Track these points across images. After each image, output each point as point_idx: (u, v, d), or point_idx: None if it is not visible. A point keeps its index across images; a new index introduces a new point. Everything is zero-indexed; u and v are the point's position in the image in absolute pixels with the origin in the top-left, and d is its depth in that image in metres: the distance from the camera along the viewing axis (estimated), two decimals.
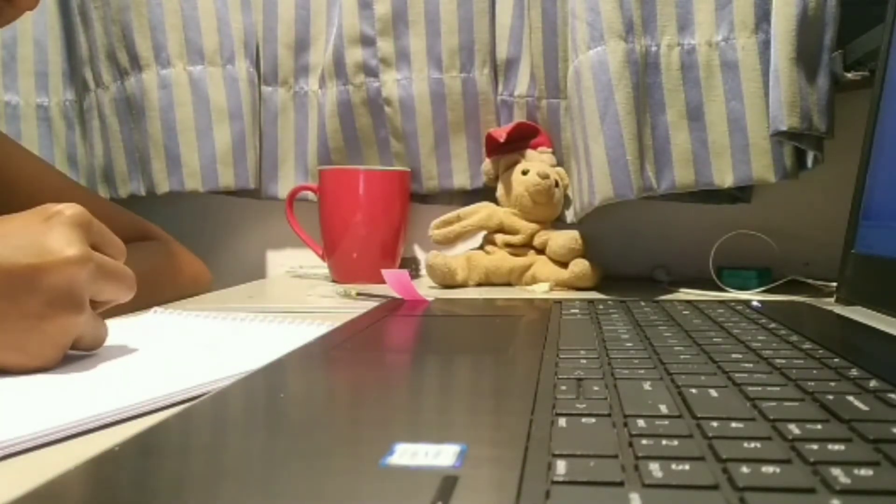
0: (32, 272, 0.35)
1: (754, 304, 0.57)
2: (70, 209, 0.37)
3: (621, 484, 0.20)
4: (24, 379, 0.36)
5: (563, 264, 0.76)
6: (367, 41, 0.86)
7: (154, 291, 0.60)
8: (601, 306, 0.55)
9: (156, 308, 0.58)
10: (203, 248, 0.84)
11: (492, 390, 0.32)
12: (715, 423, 0.24)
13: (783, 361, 0.34)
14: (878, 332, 0.45)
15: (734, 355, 0.36)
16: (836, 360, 0.34)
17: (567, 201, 0.83)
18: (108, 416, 0.30)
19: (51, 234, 0.36)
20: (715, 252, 0.75)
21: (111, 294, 0.40)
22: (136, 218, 0.75)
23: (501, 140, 0.78)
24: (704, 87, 0.69)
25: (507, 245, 0.80)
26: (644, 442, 0.23)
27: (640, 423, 0.25)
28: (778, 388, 0.29)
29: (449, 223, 0.81)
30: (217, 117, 0.87)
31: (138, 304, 0.51)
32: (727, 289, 0.73)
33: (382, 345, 0.44)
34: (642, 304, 0.57)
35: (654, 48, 0.69)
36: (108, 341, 0.42)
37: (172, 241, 0.76)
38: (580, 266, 0.74)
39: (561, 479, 0.20)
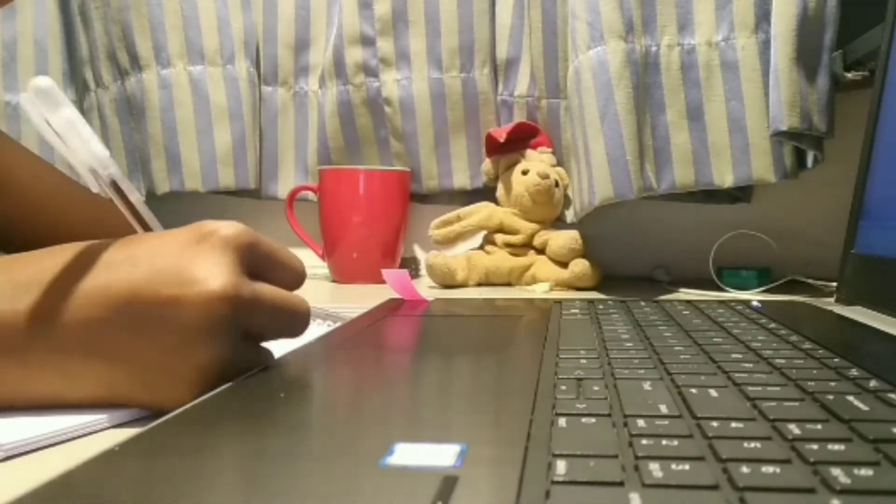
0: (170, 304, 0.30)
1: (754, 304, 0.57)
2: (227, 229, 0.32)
3: (621, 484, 0.20)
4: None
5: (563, 264, 0.76)
6: (367, 41, 0.86)
7: None
8: (601, 306, 0.55)
9: None
10: None
11: (492, 390, 0.32)
12: (715, 423, 0.24)
13: (783, 361, 0.34)
14: (878, 332, 0.45)
15: (734, 355, 0.36)
16: (836, 360, 0.34)
17: (567, 201, 0.83)
18: None
19: (199, 260, 0.31)
20: (715, 252, 0.75)
21: (274, 328, 0.34)
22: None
23: (501, 140, 0.78)
24: (704, 87, 0.69)
25: (507, 245, 0.80)
26: (644, 442, 0.23)
27: (640, 423, 0.25)
28: (778, 388, 0.29)
29: (449, 223, 0.81)
30: (217, 117, 0.87)
31: None
32: (727, 289, 0.73)
33: (382, 345, 0.44)
34: (642, 304, 0.57)
35: (654, 48, 0.69)
36: None
37: None
38: (580, 266, 0.74)
39: (561, 479, 0.20)
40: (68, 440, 0.29)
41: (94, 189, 0.32)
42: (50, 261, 0.31)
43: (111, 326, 0.30)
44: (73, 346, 0.30)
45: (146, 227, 0.34)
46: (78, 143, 0.31)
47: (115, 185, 0.33)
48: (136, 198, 0.34)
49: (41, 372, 0.30)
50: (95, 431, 0.30)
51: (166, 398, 0.31)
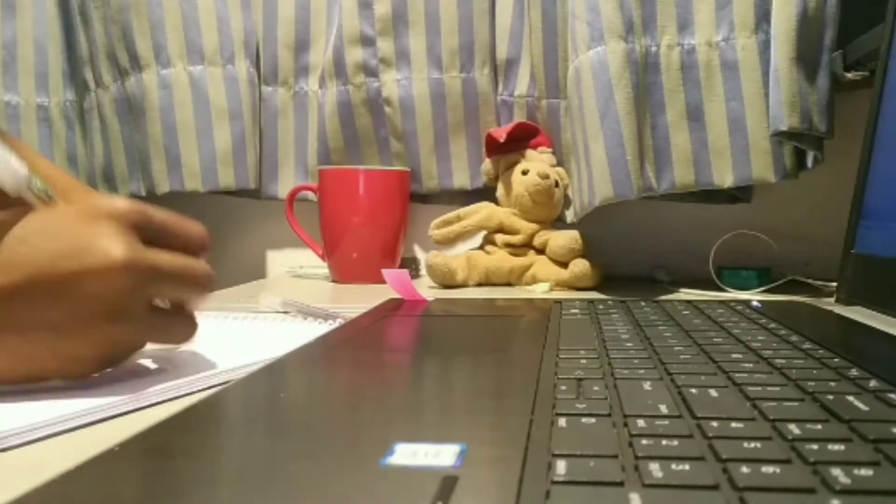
0: (73, 280, 0.31)
1: (754, 304, 0.57)
2: (121, 204, 0.34)
3: (621, 484, 0.20)
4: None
5: (563, 264, 0.76)
6: (367, 41, 0.86)
7: None
8: (601, 306, 0.55)
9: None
10: None
11: (492, 390, 0.32)
12: (715, 423, 0.24)
13: (783, 361, 0.34)
14: (878, 332, 0.45)
15: (734, 355, 0.36)
16: (836, 360, 0.34)
17: (567, 201, 0.83)
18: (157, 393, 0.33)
19: (96, 236, 0.32)
20: (715, 252, 0.75)
21: (177, 294, 0.36)
22: None
23: (501, 140, 0.78)
24: (704, 87, 0.69)
25: (507, 245, 0.80)
26: (644, 442, 0.23)
27: (640, 423, 0.25)
28: (778, 388, 0.29)
29: (449, 223, 0.81)
30: (217, 117, 0.87)
31: None
32: (727, 289, 0.73)
33: (382, 345, 0.44)
34: (642, 304, 0.57)
35: (654, 48, 0.69)
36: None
37: None
38: (580, 266, 0.74)
39: (561, 479, 0.20)
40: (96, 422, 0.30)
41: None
42: None
43: (18, 301, 0.31)
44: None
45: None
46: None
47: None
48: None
49: None
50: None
51: (77, 367, 0.33)
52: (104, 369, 0.35)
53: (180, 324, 0.38)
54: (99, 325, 0.33)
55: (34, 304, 0.31)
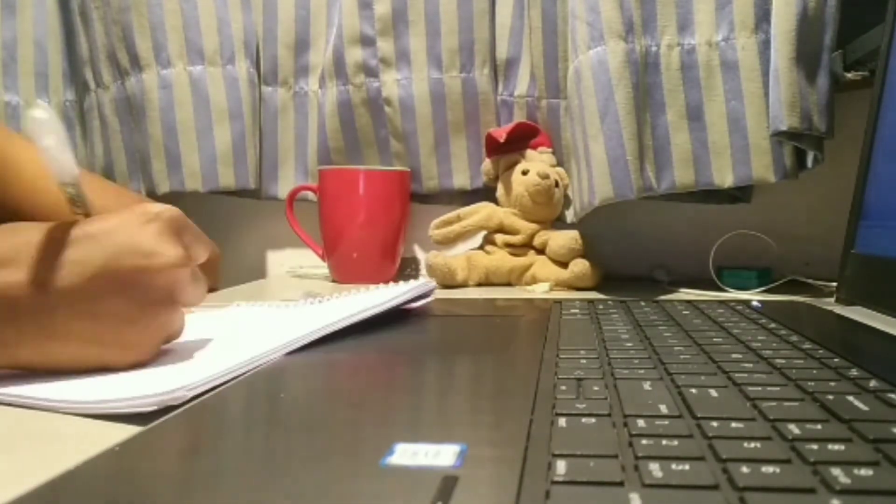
0: (138, 274, 0.36)
1: (754, 304, 0.57)
2: (168, 212, 0.39)
3: (621, 484, 0.20)
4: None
5: (563, 264, 0.76)
6: (367, 41, 0.86)
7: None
8: (601, 306, 0.55)
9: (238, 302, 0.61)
10: None
11: (492, 390, 0.32)
12: (715, 423, 0.24)
13: (783, 361, 0.34)
14: (878, 332, 0.45)
15: (734, 355, 0.36)
16: (836, 360, 0.34)
17: (567, 201, 0.83)
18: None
19: (153, 237, 0.37)
20: (715, 252, 0.75)
21: (198, 295, 0.42)
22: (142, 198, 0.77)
23: (501, 140, 0.78)
24: (704, 87, 0.69)
25: (507, 245, 0.80)
26: (644, 442, 0.23)
27: (640, 423, 0.25)
28: (778, 388, 0.29)
29: (449, 223, 0.81)
30: (217, 117, 0.87)
31: None
32: (727, 289, 0.73)
33: (383, 345, 0.44)
34: (642, 304, 0.57)
35: (654, 48, 0.69)
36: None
37: None
38: (580, 266, 0.74)
39: (561, 479, 0.20)
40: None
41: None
42: (20, 237, 0.36)
43: (89, 292, 0.35)
44: (54, 308, 0.35)
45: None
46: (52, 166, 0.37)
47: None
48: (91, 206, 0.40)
49: (33, 334, 0.35)
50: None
51: (133, 354, 0.37)
52: (153, 358, 0.39)
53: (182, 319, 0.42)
54: (156, 314, 0.38)
55: (102, 294, 0.36)
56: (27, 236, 0.36)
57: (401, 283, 0.57)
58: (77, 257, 0.36)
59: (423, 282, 0.55)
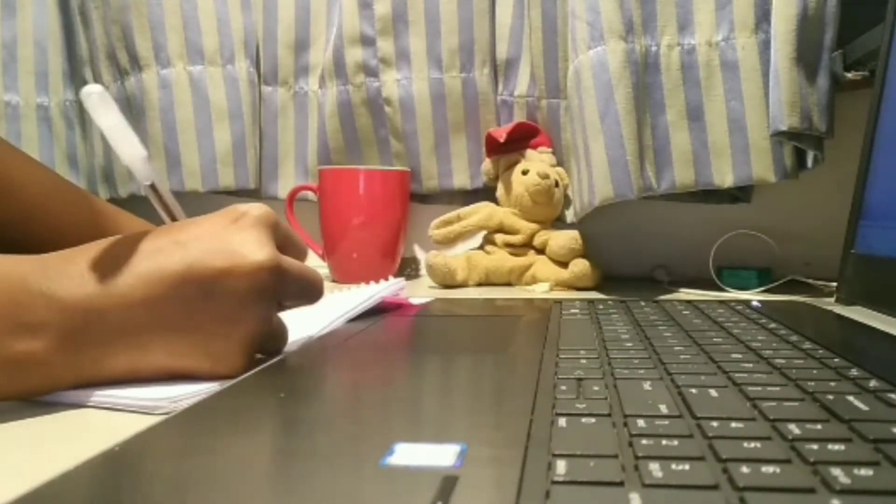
0: (224, 276, 0.34)
1: (754, 304, 0.57)
2: (257, 210, 0.37)
3: (621, 484, 0.20)
4: None
5: (563, 264, 0.76)
6: (367, 41, 0.86)
7: None
8: (601, 306, 0.55)
9: None
10: None
11: (492, 390, 0.32)
12: (715, 423, 0.24)
13: (783, 361, 0.34)
14: (878, 332, 0.45)
15: (734, 355, 0.36)
16: (836, 360, 0.34)
17: (567, 201, 0.83)
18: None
19: (240, 237, 0.35)
20: (715, 252, 0.75)
21: (296, 297, 0.39)
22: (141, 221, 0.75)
23: (501, 140, 0.78)
24: (704, 87, 0.69)
25: (507, 245, 0.80)
26: (644, 442, 0.23)
27: (640, 423, 0.25)
28: (778, 388, 0.29)
29: (449, 223, 0.81)
30: (217, 117, 0.87)
31: None
32: (727, 289, 0.73)
33: (382, 345, 0.44)
34: (642, 304, 0.57)
35: (654, 48, 0.69)
36: None
37: None
38: (580, 266, 0.74)
39: (561, 479, 0.20)
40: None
41: (142, 180, 0.37)
42: (97, 251, 0.34)
43: (172, 302, 0.34)
44: (141, 322, 0.33)
45: (174, 219, 0.38)
46: (120, 145, 0.35)
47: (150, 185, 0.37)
48: (168, 193, 0.38)
49: (117, 348, 0.33)
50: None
51: (222, 365, 0.35)
52: (248, 370, 0.36)
53: (286, 330, 0.41)
54: (244, 321, 0.35)
55: (188, 301, 0.34)
56: (103, 250, 0.34)
57: (371, 283, 0.59)
58: (155, 265, 0.34)
59: (393, 281, 0.57)
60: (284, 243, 0.38)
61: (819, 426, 0.24)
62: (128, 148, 0.35)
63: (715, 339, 0.40)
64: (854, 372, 0.32)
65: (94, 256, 0.34)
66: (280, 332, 0.40)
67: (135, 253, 0.34)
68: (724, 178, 0.70)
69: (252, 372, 0.35)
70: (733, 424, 0.24)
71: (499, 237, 0.81)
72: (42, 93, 0.96)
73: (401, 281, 0.59)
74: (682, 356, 0.36)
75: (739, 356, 0.36)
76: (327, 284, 0.83)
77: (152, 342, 0.34)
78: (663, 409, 0.26)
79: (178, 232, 0.36)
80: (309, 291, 0.39)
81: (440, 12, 0.85)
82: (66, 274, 0.33)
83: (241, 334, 0.35)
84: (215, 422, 0.28)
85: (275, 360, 0.38)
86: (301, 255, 0.40)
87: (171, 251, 0.34)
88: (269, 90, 0.92)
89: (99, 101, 0.34)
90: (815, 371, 0.32)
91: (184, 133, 0.86)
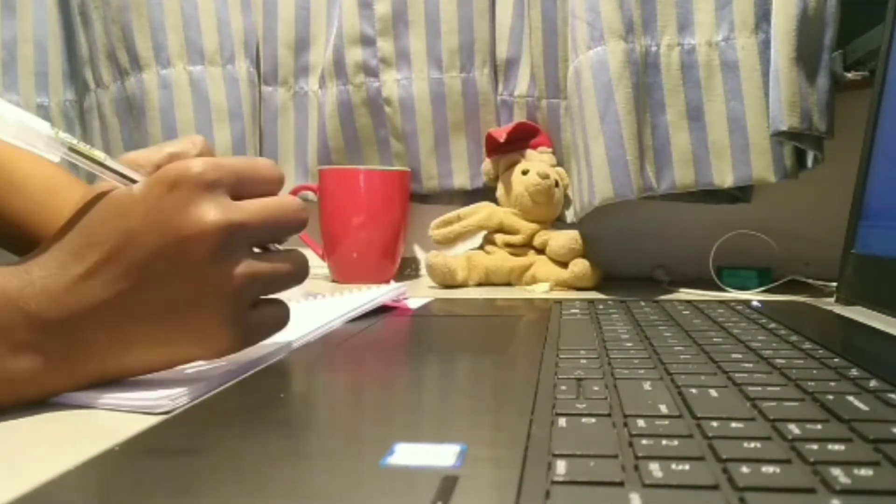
0: (179, 251, 0.32)
1: (754, 304, 0.57)
2: (193, 167, 0.33)
3: (621, 484, 0.20)
4: None
5: (563, 264, 0.76)
6: (367, 41, 0.86)
7: None
8: (601, 306, 0.55)
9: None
10: None
11: (492, 390, 0.32)
12: (715, 423, 0.24)
13: (783, 361, 0.34)
14: (878, 332, 0.45)
15: (734, 355, 0.36)
16: (836, 360, 0.34)
17: (567, 201, 0.83)
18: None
19: (182, 204, 0.32)
20: (715, 252, 0.75)
21: (269, 237, 0.36)
22: None
23: (501, 140, 0.78)
24: (704, 87, 0.69)
25: (507, 245, 0.80)
26: (644, 442, 0.23)
27: (640, 423, 0.25)
28: (778, 388, 0.29)
29: (449, 223, 0.81)
30: (217, 117, 0.87)
31: None
32: (727, 289, 0.73)
33: (382, 345, 0.44)
34: (642, 304, 0.57)
35: (654, 48, 0.69)
36: None
37: None
38: (580, 266, 0.74)
39: (561, 479, 0.20)
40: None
41: (55, 159, 0.33)
42: (65, 254, 0.33)
43: (139, 292, 0.32)
44: (118, 321, 0.32)
45: (126, 179, 0.35)
46: (15, 125, 0.32)
47: (74, 151, 0.34)
48: (100, 154, 0.35)
49: (104, 353, 0.33)
50: None
51: (214, 339, 0.34)
52: (246, 345, 0.35)
53: (294, 259, 0.37)
54: (213, 290, 0.33)
55: (151, 286, 0.32)
56: (79, 248, 0.33)
57: (372, 287, 0.60)
58: (121, 260, 0.32)
59: (395, 286, 0.59)
60: (240, 186, 0.35)
61: (819, 426, 0.24)
62: (30, 125, 0.32)
63: (715, 339, 0.40)
64: (854, 372, 0.32)
65: (62, 260, 0.32)
66: (277, 311, 0.37)
67: (93, 248, 0.32)
68: (724, 178, 0.70)
69: (252, 372, 0.35)
70: (733, 424, 0.24)
71: (499, 237, 0.81)
72: (42, 93, 0.96)
73: (403, 286, 0.59)
74: (682, 356, 0.36)
75: (739, 356, 0.36)
76: (328, 285, 0.83)
77: (133, 336, 0.33)
78: (663, 409, 0.26)
79: (122, 219, 0.33)
80: (284, 225, 0.36)
81: (440, 12, 0.85)
82: (45, 290, 0.32)
83: (216, 303, 0.33)
84: (215, 422, 0.28)
85: (274, 360, 0.38)
86: (262, 185, 0.36)
87: (123, 240, 0.32)
88: (270, 90, 0.92)
89: None
90: (815, 371, 0.32)
91: (184, 133, 0.86)
